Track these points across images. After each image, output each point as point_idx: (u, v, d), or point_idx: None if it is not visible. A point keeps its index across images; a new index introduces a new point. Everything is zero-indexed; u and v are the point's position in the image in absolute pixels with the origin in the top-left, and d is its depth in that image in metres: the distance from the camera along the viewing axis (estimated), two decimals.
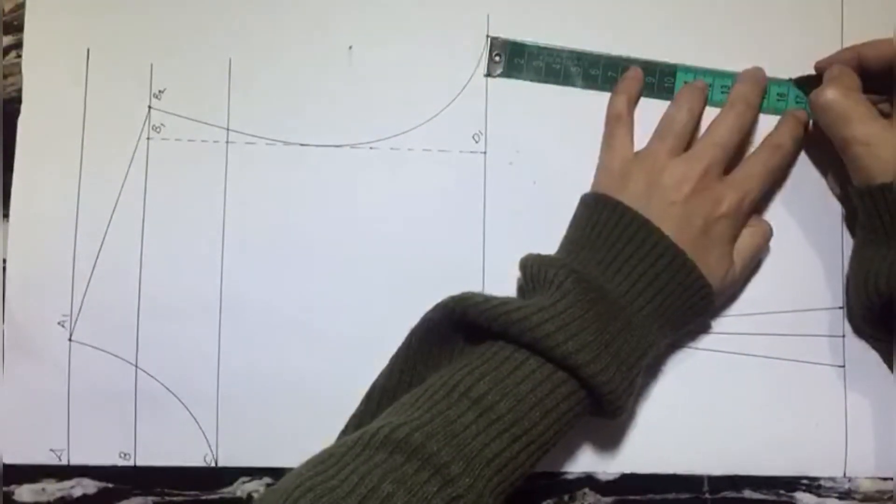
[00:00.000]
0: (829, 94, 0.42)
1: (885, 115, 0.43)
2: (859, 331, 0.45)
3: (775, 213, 0.46)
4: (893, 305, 0.41)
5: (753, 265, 0.45)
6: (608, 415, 0.39)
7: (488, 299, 0.39)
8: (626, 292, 0.40)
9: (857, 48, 0.44)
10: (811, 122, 0.46)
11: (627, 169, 0.43)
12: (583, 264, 0.41)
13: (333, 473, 0.34)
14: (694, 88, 0.45)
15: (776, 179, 0.45)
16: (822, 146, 0.45)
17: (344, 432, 0.41)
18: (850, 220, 0.46)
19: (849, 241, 0.46)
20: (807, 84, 0.46)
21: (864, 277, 0.42)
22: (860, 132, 0.41)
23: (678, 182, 0.41)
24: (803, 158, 0.47)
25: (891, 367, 0.45)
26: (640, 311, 0.40)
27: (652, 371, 0.45)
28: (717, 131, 0.43)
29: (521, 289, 0.42)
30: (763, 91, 0.45)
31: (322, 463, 0.35)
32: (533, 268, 0.41)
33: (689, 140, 0.44)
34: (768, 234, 0.45)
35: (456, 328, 0.40)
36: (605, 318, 0.39)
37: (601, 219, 0.42)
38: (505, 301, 0.39)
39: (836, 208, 0.46)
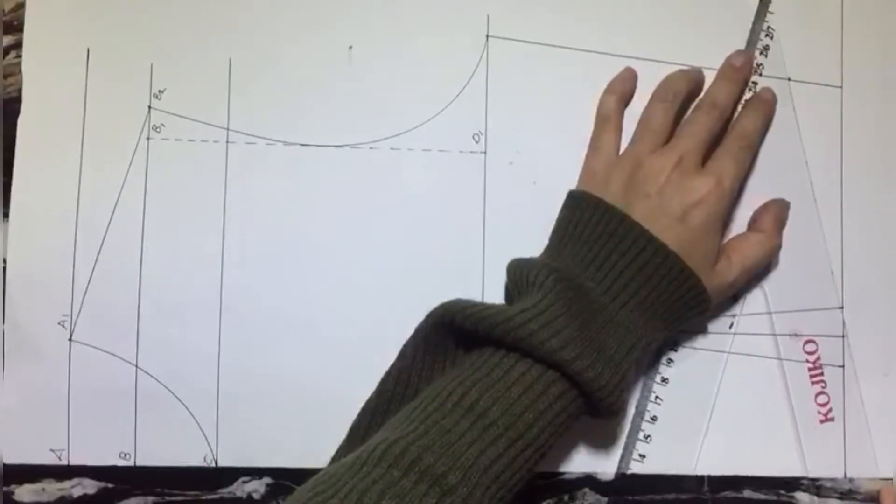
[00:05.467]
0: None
1: None
2: None
3: None
4: None
5: (755, 271, 0.45)
6: (603, 414, 0.39)
7: (474, 304, 0.39)
8: (608, 288, 0.40)
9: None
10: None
11: (609, 170, 0.43)
12: (565, 262, 0.41)
13: (333, 493, 0.34)
14: (669, 84, 0.45)
15: (752, 160, 0.45)
16: (819, 145, 0.46)
17: (341, 446, 0.41)
18: None
19: (849, 241, 0.46)
20: None
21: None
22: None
23: (654, 175, 0.42)
24: (802, 157, 0.47)
25: None
26: (623, 306, 0.40)
27: (651, 371, 0.45)
28: (689, 124, 0.43)
29: (509, 294, 0.42)
30: (743, 82, 0.45)
31: (322, 483, 0.35)
32: (516, 272, 0.41)
33: (669, 136, 0.44)
34: (776, 247, 0.45)
35: (447, 336, 0.40)
36: (587, 314, 0.39)
37: (583, 217, 0.42)
38: (489, 306, 0.39)
39: (836, 208, 0.46)
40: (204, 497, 0.45)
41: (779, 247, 0.45)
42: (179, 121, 0.46)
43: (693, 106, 0.45)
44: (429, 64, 0.47)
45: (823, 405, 0.46)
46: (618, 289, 0.40)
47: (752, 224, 0.45)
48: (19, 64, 0.46)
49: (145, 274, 0.45)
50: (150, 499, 0.45)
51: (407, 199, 0.46)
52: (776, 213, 0.45)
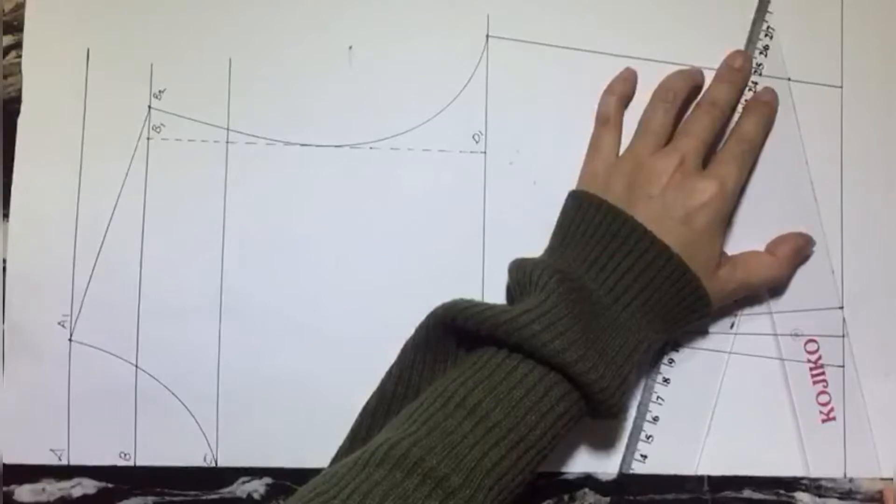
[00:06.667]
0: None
1: None
2: None
3: (774, 214, 0.46)
4: None
5: (755, 290, 0.45)
6: (603, 415, 0.39)
7: (476, 304, 0.39)
8: (610, 289, 0.40)
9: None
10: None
11: (610, 171, 0.43)
12: (567, 263, 0.41)
13: (335, 493, 0.34)
14: (669, 84, 0.45)
15: (753, 163, 0.45)
16: (819, 145, 0.46)
17: (342, 447, 0.41)
18: None
19: (849, 241, 0.46)
20: None
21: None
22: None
23: (656, 176, 0.42)
24: (802, 157, 0.46)
25: None
26: (625, 307, 0.40)
27: (652, 371, 0.45)
28: (690, 124, 0.43)
29: (510, 294, 0.42)
30: (742, 82, 0.45)
31: (324, 483, 0.35)
32: (518, 272, 0.41)
33: (670, 137, 0.44)
34: (783, 275, 0.45)
35: (448, 336, 0.40)
36: (590, 315, 0.39)
37: (585, 217, 0.42)
38: (492, 306, 0.39)
39: (836, 208, 0.46)
40: (204, 497, 0.45)
41: (787, 276, 0.45)
42: (179, 121, 0.46)
43: (693, 106, 0.45)
44: (429, 64, 0.47)
45: (825, 405, 0.45)
46: (620, 290, 0.40)
47: (769, 247, 0.45)
48: (19, 64, 0.46)
49: (145, 274, 0.45)
50: (150, 499, 0.45)
51: (407, 199, 0.46)
52: (796, 245, 0.45)
